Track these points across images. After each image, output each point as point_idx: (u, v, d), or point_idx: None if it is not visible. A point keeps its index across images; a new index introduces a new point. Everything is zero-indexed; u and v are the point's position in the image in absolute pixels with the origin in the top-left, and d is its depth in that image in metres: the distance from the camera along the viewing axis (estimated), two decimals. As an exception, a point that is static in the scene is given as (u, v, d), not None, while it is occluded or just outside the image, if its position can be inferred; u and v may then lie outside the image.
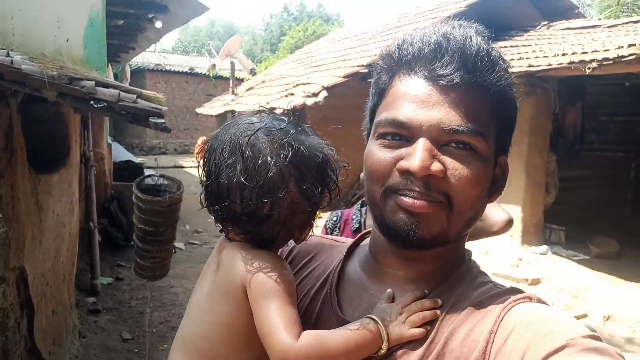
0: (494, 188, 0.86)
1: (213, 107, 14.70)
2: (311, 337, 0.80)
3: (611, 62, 5.31)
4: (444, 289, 0.84)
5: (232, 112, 12.28)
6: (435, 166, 0.77)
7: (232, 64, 15.25)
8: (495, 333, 0.75)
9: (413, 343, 0.80)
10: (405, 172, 0.79)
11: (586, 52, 5.61)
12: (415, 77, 0.81)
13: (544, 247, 7.34)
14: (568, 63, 5.80)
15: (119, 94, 2.52)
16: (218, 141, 0.86)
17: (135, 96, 2.60)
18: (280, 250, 1.00)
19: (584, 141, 7.95)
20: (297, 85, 9.65)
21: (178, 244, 6.83)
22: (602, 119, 8.37)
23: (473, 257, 0.92)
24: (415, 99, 0.80)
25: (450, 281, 0.85)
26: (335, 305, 0.90)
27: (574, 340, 0.68)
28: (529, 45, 8.31)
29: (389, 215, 0.82)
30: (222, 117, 13.65)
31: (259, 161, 0.80)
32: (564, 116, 7.73)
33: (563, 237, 7.74)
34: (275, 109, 9.25)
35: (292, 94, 9.26)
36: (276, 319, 0.82)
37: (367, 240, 0.99)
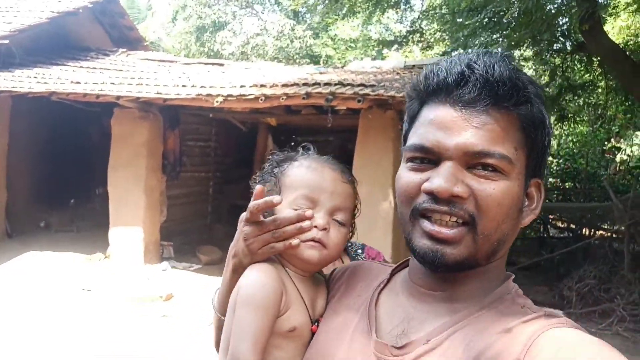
0: (527, 211, 0.88)
1: None
2: None
3: (234, 98, 6.40)
4: (478, 309, 0.84)
5: None
6: (459, 188, 0.80)
7: None
8: None
9: None
10: (430, 193, 0.81)
11: (214, 87, 6.53)
12: (440, 105, 0.84)
13: (165, 263, 7.79)
14: (197, 95, 6.54)
15: None
16: None
17: None
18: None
19: (182, 163, 8.89)
20: None
21: None
22: (190, 144, 9.56)
23: (512, 280, 0.91)
24: (441, 125, 0.82)
25: (484, 302, 0.84)
26: (373, 321, 0.92)
27: None
28: (121, 70, 8.56)
29: (415, 239, 0.85)
30: None
31: None
32: (166, 140, 8.42)
33: (172, 252, 8.39)
34: None
35: None
36: (246, 328, 0.89)
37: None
